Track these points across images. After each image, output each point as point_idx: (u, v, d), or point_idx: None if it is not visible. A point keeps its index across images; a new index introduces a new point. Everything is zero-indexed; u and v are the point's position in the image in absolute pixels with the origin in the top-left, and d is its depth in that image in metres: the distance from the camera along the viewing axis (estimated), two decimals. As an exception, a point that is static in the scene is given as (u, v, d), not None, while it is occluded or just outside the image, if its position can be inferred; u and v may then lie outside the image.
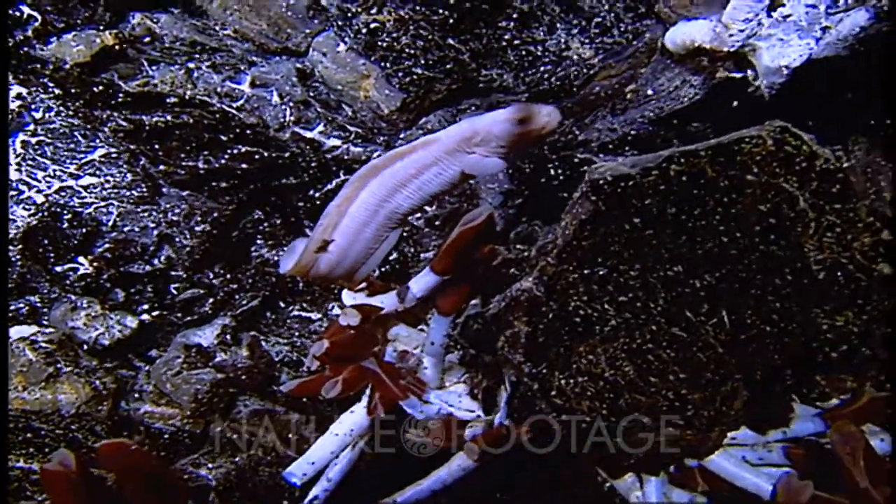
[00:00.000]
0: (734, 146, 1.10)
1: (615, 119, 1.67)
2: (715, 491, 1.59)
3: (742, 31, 1.33)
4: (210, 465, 1.77)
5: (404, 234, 1.69)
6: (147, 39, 1.44)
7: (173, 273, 1.91)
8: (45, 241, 1.79)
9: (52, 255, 1.81)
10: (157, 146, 1.55)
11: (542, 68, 1.57)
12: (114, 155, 1.70)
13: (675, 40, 1.51)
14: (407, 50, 1.46)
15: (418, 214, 1.65)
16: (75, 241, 1.81)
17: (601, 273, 1.36)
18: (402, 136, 1.60)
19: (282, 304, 2.07)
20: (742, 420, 1.46)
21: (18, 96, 1.62)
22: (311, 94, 1.55)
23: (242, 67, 1.51)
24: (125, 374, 1.92)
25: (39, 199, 1.79)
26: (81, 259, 1.87)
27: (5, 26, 1.41)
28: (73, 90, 1.47)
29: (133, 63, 1.45)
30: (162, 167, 1.57)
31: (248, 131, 1.55)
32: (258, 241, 1.95)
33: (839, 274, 1.08)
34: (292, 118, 1.54)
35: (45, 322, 1.88)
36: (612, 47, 1.60)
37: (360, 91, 1.53)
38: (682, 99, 1.59)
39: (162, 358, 1.84)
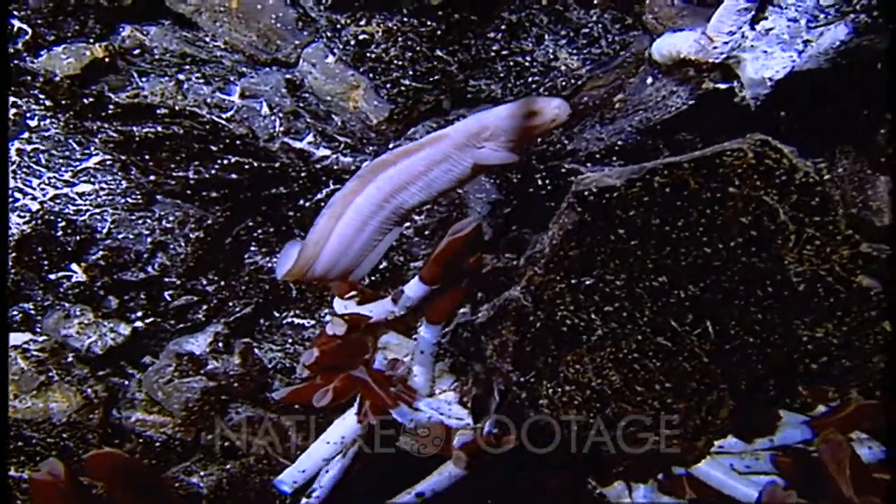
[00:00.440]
0: (716, 159, 1.11)
1: (603, 129, 1.68)
2: (702, 499, 1.60)
3: (726, 43, 1.34)
4: (202, 473, 1.78)
5: (394, 243, 1.70)
6: (137, 51, 1.46)
7: (167, 280, 1.92)
8: (40, 249, 1.80)
9: (45, 262, 1.82)
10: (147, 157, 1.56)
11: (529, 79, 1.59)
12: (109, 162, 1.71)
13: (661, 51, 1.53)
14: (395, 61, 1.47)
15: (408, 224, 1.67)
16: (69, 249, 1.82)
17: (588, 283, 1.37)
18: (391, 145, 1.61)
19: (275, 311, 2.08)
20: (728, 429, 1.47)
21: (14, 104, 1.63)
22: (301, 104, 1.57)
23: (232, 78, 1.53)
24: (117, 382, 1.93)
25: (34, 206, 1.80)
26: (75, 266, 1.88)
27: (5, 27, 1.42)
28: (63, 102, 1.48)
29: (123, 75, 1.46)
30: (152, 177, 1.59)
31: (238, 142, 1.56)
32: (252, 248, 1.96)
33: (819, 286, 1.09)
34: (282, 129, 1.55)
35: (38, 329, 1.90)
36: (600, 58, 1.61)
37: (349, 102, 1.54)
38: (670, 109, 1.60)
39: (154, 366, 1.85)
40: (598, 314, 1.37)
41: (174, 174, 1.57)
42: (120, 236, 1.82)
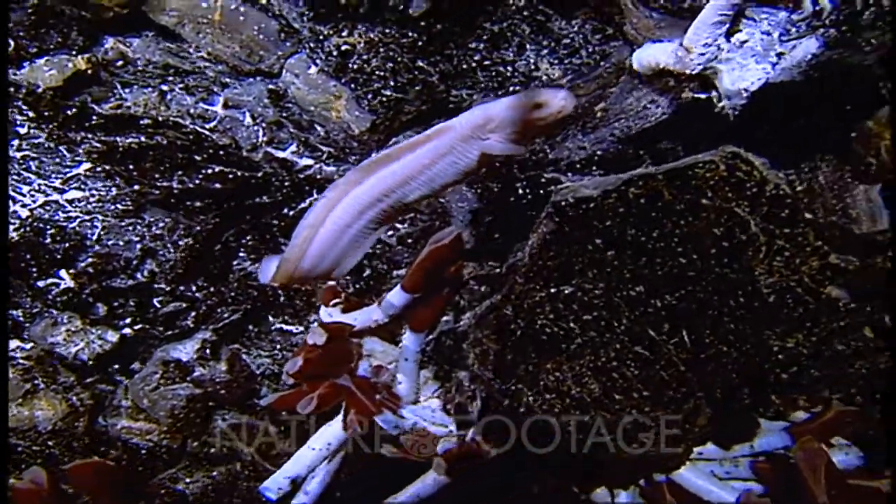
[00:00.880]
0: (689, 170, 1.13)
1: (585, 137, 1.69)
2: (683, 505, 1.62)
3: (703, 54, 1.36)
4: (188, 480, 1.79)
5: (377, 251, 1.72)
6: (120, 63, 1.47)
7: (156, 287, 1.93)
8: (28, 256, 1.81)
9: (34, 269, 1.83)
10: (131, 167, 1.57)
11: (511, 88, 1.60)
12: (99, 169, 1.72)
13: (641, 61, 1.54)
14: (377, 72, 1.49)
15: (391, 232, 1.68)
16: (58, 256, 1.83)
17: (567, 292, 1.39)
18: (374, 154, 1.62)
19: (264, 318, 2.09)
20: (707, 436, 1.48)
21: (1, 112, 1.64)
22: (284, 114, 1.58)
23: (215, 89, 1.54)
24: (105, 389, 1.94)
25: (24, 213, 1.81)
26: (64, 273, 1.88)
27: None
28: (46, 113, 1.50)
29: (106, 86, 1.48)
30: (137, 187, 1.60)
31: (222, 152, 1.58)
32: (241, 255, 1.97)
33: (788, 297, 1.10)
34: (265, 139, 1.57)
35: (26, 337, 1.90)
36: (580, 68, 1.63)
37: (331, 112, 1.55)
38: (650, 118, 1.62)
39: (140, 373, 1.86)
40: (577, 323, 1.39)
41: (158, 184, 1.58)
42: (109, 243, 1.83)
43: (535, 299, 1.40)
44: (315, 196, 1.66)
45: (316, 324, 1.72)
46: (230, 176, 1.59)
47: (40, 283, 1.85)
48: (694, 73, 1.42)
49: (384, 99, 1.51)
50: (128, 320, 1.95)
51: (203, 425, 1.84)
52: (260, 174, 1.62)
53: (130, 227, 1.82)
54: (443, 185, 1.22)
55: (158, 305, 1.95)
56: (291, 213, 1.70)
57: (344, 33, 1.50)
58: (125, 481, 1.68)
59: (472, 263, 1.68)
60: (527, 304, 1.41)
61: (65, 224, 1.81)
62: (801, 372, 1.13)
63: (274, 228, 1.76)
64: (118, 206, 1.77)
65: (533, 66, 1.61)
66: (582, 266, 1.34)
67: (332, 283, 1.91)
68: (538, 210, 1.49)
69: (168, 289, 1.92)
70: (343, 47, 1.49)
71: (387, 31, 1.49)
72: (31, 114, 1.49)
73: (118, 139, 1.52)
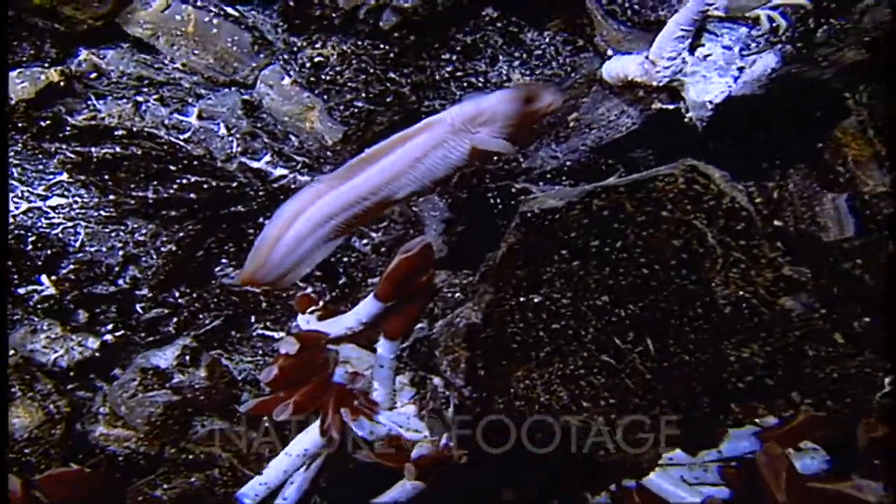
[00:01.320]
0: (649, 183, 1.15)
1: (558, 147, 1.72)
2: (653, 509, 1.64)
3: (667, 67, 1.38)
4: (165, 486, 1.80)
5: (352, 259, 1.73)
6: (94, 75, 1.48)
7: (138, 293, 1.93)
8: (10, 263, 1.81)
9: (15, 276, 1.83)
10: (106, 177, 1.59)
11: (483, 100, 1.62)
12: (75, 179, 1.73)
13: (610, 73, 1.57)
14: (349, 84, 1.50)
15: (365, 241, 1.70)
16: (39, 263, 1.84)
17: (535, 301, 1.41)
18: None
19: (246, 323, 2.10)
20: (675, 442, 1.51)
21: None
22: (259, 125, 1.60)
23: (190, 100, 1.55)
24: (84, 397, 1.95)
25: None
26: (45, 280, 1.89)
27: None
28: (19, 125, 1.51)
29: (80, 97, 1.49)
30: (112, 197, 1.61)
31: (196, 162, 1.59)
32: (223, 261, 1.98)
33: (744, 308, 1.13)
34: (239, 149, 1.58)
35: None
36: (552, 79, 1.65)
37: (305, 122, 1.57)
38: (621, 128, 1.64)
39: (118, 380, 1.87)
40: (546, 331, 1.41)
41: (133, 193, 1.60)
42: (92, 249, 1.84)
43: (504, 308, 1.42)
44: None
45: (288, 333, 1.74)
46: (205, 186, 1.60)
47: (21, 290, 1.85)
48: (661, 84, 1.45)
49: (356, 110, 1.53)
50: (109, 326, 1.96)
51: (181, 432, 1.85)
52: (235, 184, 1.64)
53: (113, 234, 1.83)
54: (433, 179, 1.20)
55: (141, 311, 1.96)
56: (267, 222, 1.72)
57: (317, 45, 1.52)
58: (103, 488, 1.69)
59: (445, 272, 1.70)
60: (496, 313, 1.43)
61: (47, 231, 1.82)
62: (757, 381, 1.16)
63: (250, 237, 1.78)
64: (101, 212, 1.78)
65: (505, 77, 1.63)
66: (549, 276, 1.36)
67: (308, 290, 1.94)
68: (510, 219, 1.51)
69: (150, 295, 1.93)
70: (316, 59, 1.51)
71: (359, 43, 1.51)
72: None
73: (92, 150, 1.53)
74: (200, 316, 2.01)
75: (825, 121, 1.44)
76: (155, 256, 1.87)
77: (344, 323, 1.73)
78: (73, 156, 1.53)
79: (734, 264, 1.11)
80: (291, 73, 1.53)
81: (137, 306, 1.95)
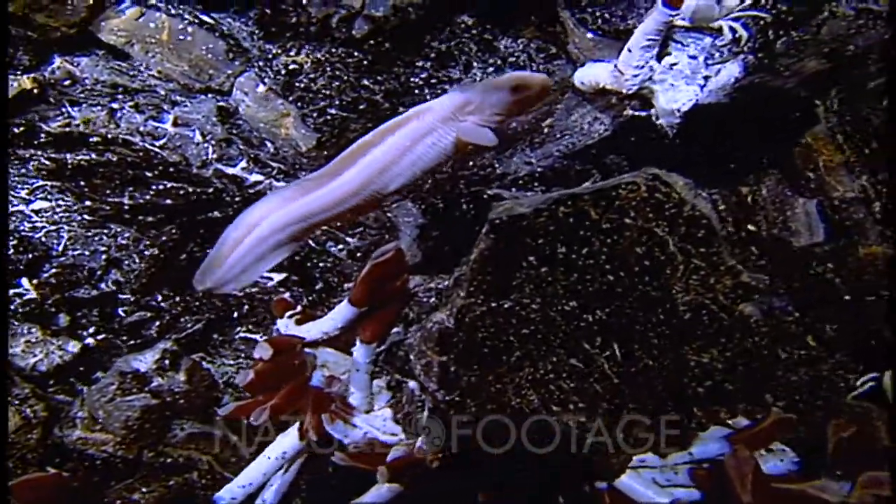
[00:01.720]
0: (612, 191, 1.17)
1: (533, 153, 1.73)
2: (626, 511, 1.66)
3: (636, 76, 1.40)
4: (144, 490, 1.81)
5: (328, 264, 1.75)
6: (68, 82, 1.49)
7: (121, 297, 1.94)
8: (-5, 265, 1.81)
9: (-4, 280, 1.83)
10: (82, 183, 1.60)
11: (457, 106, 1.64)
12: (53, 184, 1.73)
13: (582, 80, 1.59)
14: (323, 91, 1.52)
15: (341, 246, 1.71)
16: (21, 266, 1.84)
17: (506, 306, 1.42)
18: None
19: (228, 326, 2.11)
20: (644, 445, 1.53)
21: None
22: (235, 131, 1.61)
23: (165, 107, 1.56)
24: (63, 400, 1.95)
25: (-13, 224, 1.81)
26: (26, 284, 1.90)
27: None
28: (-6, 131, 1.52)
29: (54, 104, 1.50)
30: (88, 203, 1.62)
31: (172, 169, 1.60)
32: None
33: (703, 314, 1.15)
34: (214, 156, 1.59)
35: (-15, 348, 1.91)
36: (526, 85, 1.67)
37: (281, 129, 1.59)
38: (594, 134, 1.66)
39: (96, 384, 1.88)
40: (516, 336, 1.43)
41: (109, 199, 1.61)
42: (75, 253, 1.85)
43: (475, 313, 1.43)
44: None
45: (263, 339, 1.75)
46: (181, 192, 1.61)
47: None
48: (630, 92, 1.47)
49: (329, 117, 1.54)
50: (91, 330, 1.96)
51: (159, 435, 1.86)
52: (211, 190, 1.65)
53: (97, 237, 1.84)
54: (422, 169, 1.20)
55: (123, 315, 1.97)
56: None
57: (292, 52, 1.54)
58: (81, 492, 1.70)
59: (420, 276, 1.71)
60: (468, 318, 1.45)
61: (30, 234, 1.82)
62: (717, 386, 1.18)
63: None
64: (85, 216, 1.79)
65: (479, 84, 1.65)
66: (519, 281, 1.38)
67: (285, 295, 1.95)
68: (482, 226, 1.53)
69: (133, 298, 1.94)
70: (291, 66, 1.52)
71: (333, 50, 1.53)
72: (-23, 132, 1.52)
73: (68, 156, 1.54)
74: (182, 319, 2.01)
75: (792, 128, 1.46)
76: (138, 260, 1.88)
77: (320, 327, 1.75)
78: (48, 162, 1.54)
79: (694, 271, 1.13)
80: (266, 80, 1.54)
81: (120, 310, 1.96)
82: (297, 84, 1.53)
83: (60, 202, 1.79)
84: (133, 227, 1.71)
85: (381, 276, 1.50)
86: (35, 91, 1.45)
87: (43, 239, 1.83)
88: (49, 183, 1.76)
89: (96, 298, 1.91)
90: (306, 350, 1.80)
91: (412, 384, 1.81)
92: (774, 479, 1.43)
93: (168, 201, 1.62)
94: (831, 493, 1.36)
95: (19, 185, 1.77)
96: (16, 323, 1.90)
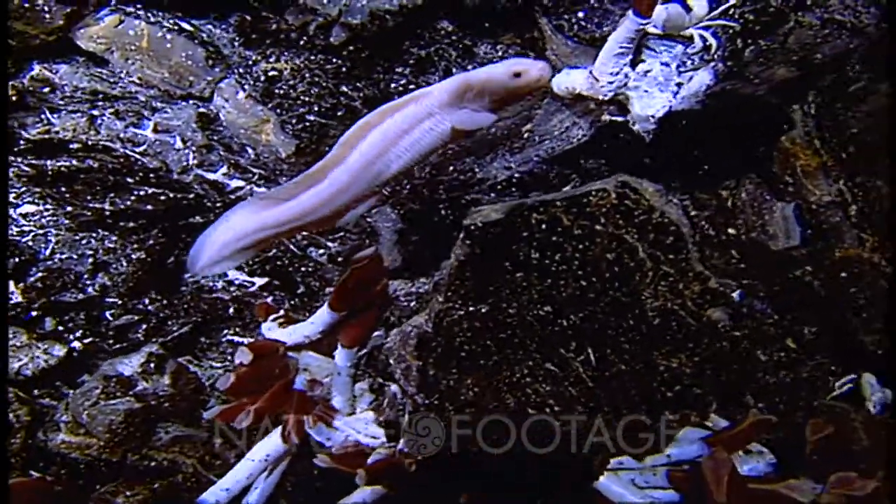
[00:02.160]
0: (584, 198, 1.18)
1: (513, 158, 1.75)
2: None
3: (611, 82, 1.42)
4: (128, 493, 1.82)
5: (309, 269, 1.76)
6: (46, 89, 1.50)
7: (108, 300, 1.95)
8: (-21, 271, 1.82)
9: (-18, 285, 1.84)
10: (63, 189, 1.60)
11: (436, 112, 1.65)
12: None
13: (560, 86, 1.60)
14: (302, 97, 1.53)
15: (322, 251, 1.72)
16: (8, 270, 1.84)
17: (483, 311, 1.44)
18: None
19: (215, 329, 2.12)
20: (621, 448, 1.54)
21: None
22: (215, 137, 1.62)
23: (146, 113, 1.57)
24: (48, 404, 1.96)
25: (-26, 229, 1.81)
26: (12, 288, 1.90)
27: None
28: (-27, 138, 1.53)
29: (33, 111, 1.51)
30: (69, 209, 1.63)
31: (152, 175, 1.61)
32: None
33: (672, 320, 1.16)
34: (195, 161, 1.60)
35: (-30, 353, 1.91)
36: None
37: (261, 135, 1.60)
38: (572, 139, 1.67)
39: (80, 388, 1.89)
40: (494, 341, 1.44)
41: (90, 205, 1.62)
42: (63, 257, 1.85)
43: (453, 317, 1.45)
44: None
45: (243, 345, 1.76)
46: (162, 197, 1.62)
47: (-13, 299, 1.86)
48: (605, 98, 1.48)
49: (308, 124, 1.55)
50: (78, 333, 1.97)
51: (143, 439, 1.87)
52: (192, 195, 1.66)
53: (84, 241, 1.84)
54: (420, 153, 1.20)
55: (110, 318, 1.98)
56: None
57: (271, 59, 1.55)
58: (65, 496, 1.71)
59: (402, 281, 1.73)
60: (446, 322, 1.46)
61: (17, 238, 1.83)
62: (685, 390, 1.19)
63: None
64: (72, 220, 1.79)
65: (458, 90, 1.66)
66: (495, 287, 1.39)
67: (268, 299, 1.96)
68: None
69: (120, 302, 1.94)
70: (270, 73, 1.54)
71: (312, 57, 1.54)
72: (-44, 140, 1.52)
73: (48, 163, 1.55)
74: (169, 323, 2.02)
75: (764, 134, 1.48)
76: (125, 263, 1.89)
77: (302, 331, 1.76)
78: (28, 169, 1.54)
79: (663, 277, 1.14)
80: (246, 86, 1.55)
81: (107, 313, 1.97)
82: (276, 90, 1.54)
83: (48, 206, 1.80)
84: (115, 233, 1.72)
85: (359, 282, 1.51)
86: (14, 98, 1.46)
87: (30, 243, 1.84)
88: (30, 189, 1.77)
89: (83, 302, 1.92)
90: (289, 354, 1.82)
91: (393, 387, 1.83)
92: (750, 480, 1.45)
93: (149, 207, 1.63)
94: (802, 493, 1.38)
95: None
96: (0, 327, 1.91)
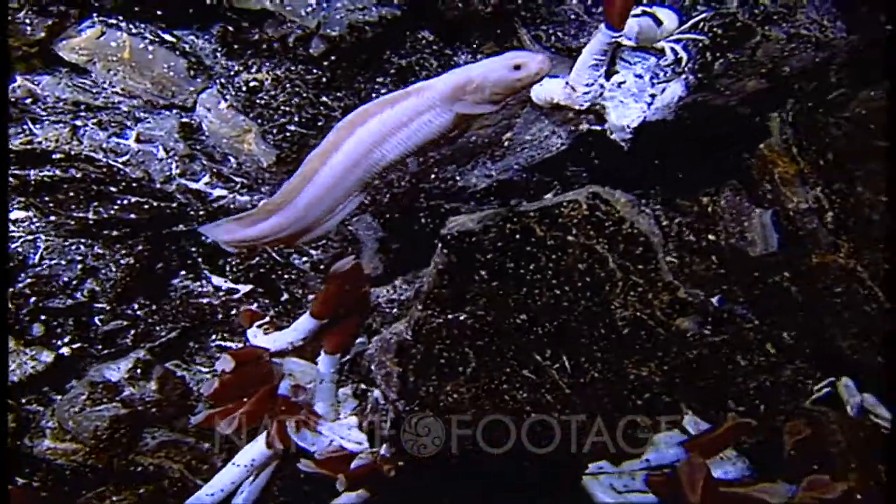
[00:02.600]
0: (556, 209, 1.20)
1: (494, 166, 1.77)
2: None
3: (587, 93, 1.44)
4: (114, 499, 1.84)
5: (292, 276, 1.78)
6: (28, 100, 1.52)
7: (96, 306, 1.96)
8: (-34, 279, 1.83)
9: (-30, 291, 1.85)
10: (47, 199, 1.62)
11: (417, 121, 1.67)
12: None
13: (538, 96, 1.62)
14: (282, 107, 1.55)
15: (305, 258, 1.74)
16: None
17: (461, 319, 1.46)
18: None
19: (204, 334, 2.13)
20: (599, 453, 1.56)
21: None
22: (198, 147, 1.64)
23: (128, 124, 1.59)
24: (36, 410, 1.97)
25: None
26: (1, 294, 1.91)
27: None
28: (-45, 150, 1.54)
29: (15, 122, 1.52)
30: (53, 218, 1.64)
31: (135, 184, 1.63)
32: (182, 273, 2.01)
33: (641, 329, 1.18)
34: (178, 171, 1.62)
35: (-42, 360, 1.92)
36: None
37: (243, 144, 1.61)
38: (552, 148, 1.69)
39: (66, 395, 1.90)
40: (472, 348, 1.46)
41: (73, 215, 1.63)
42: (52, 262, 1.86)
43: (432, 325, 1.47)
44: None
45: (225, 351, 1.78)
46: (145, 207, 1.64)
47: (-25, 306, 1.87)
48: (582, 108, 1.50)
49: (289, 134, 1.57)
50: (66, 339, 1.98)
51: (130, 444, 1.88)
52: (175, 205, 1.68)
53: (74, 247, 1.85)
54: (418, 144, 1.21)
55: (99, 324, 1.99)
56: (210, 240, 1.76)
57: (252, 69, 1.56)
58: (51, 502, 1.72)
59: (384, 288, 1.74)
60: (425, 330, 1.48)
61: (7, 244, 1.84)
62: (655, 398, 1.21)
63: (194, 254, 1.82)
64: (62, 227, 1.80)
65: (439, 99, 1.68)
66: (472, 295, 1.41)
67: (253, 305, 1.98)
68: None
69: (109, 307, 1.95)
70: (251, 83, 1.55)
71: (293, 67, 1.55)
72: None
73: (31, 173, 1.56)
74: (157, 328, 2.04)
75: (738, 143, 1.50)
76: (114, 269, 1.90)
77: (285, 338, 1.78)
78: (10, 179, 1.56)
79: (633, 287, 1.16)
80: (228, 97, 1.57)
81: (95, 319, 1.98)
82: (257, 101, 1.56)
83: (38, 212, 1.81)
84: (99, 242, 1.73)
85: (339, 289, 1.53)
86: (-4, 109, 1.48)
87: (19, 249, 1.85)
88: (14, 199, 1.77)
89: (71, 308, 1.93)
90: (273, 360, 1.84)
91: (376, 393, 1.85)
92: (726, 484, 1.47)
93: (132, 216, 1.65)
94: (775, 496, 1.40)
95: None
96: (-12, 334, 1.92)
